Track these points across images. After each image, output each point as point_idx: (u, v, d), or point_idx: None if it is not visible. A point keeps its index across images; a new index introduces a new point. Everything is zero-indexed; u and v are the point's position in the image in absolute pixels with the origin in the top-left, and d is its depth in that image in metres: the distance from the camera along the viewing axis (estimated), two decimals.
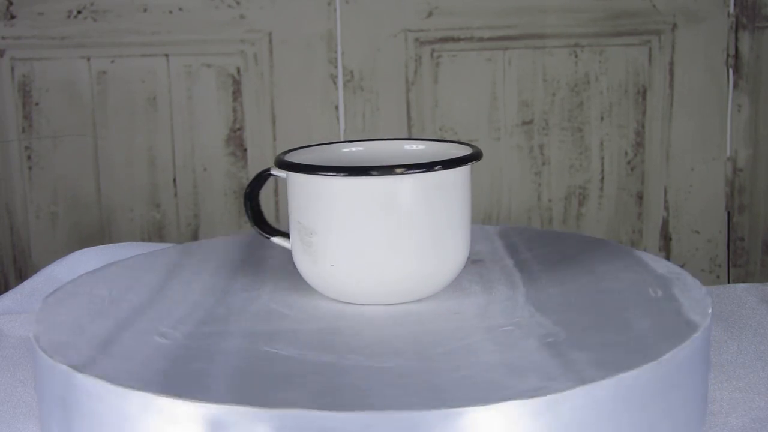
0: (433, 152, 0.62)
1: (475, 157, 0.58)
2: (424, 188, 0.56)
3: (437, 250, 0.57)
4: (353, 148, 0.65)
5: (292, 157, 0.60)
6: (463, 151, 0.60)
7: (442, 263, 0.58)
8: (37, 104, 1.08)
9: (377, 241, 0.56)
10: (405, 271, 0.56)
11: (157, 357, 0.51)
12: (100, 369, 0.49)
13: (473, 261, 0.67)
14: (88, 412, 0.49)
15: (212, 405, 0.45)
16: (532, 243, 0.73)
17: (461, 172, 0.57)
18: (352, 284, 0.57)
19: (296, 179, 0.57)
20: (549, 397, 0.45)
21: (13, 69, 1.07)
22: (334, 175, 0.55)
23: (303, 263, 0.58)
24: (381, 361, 0.50)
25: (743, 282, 1.15)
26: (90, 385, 0.48)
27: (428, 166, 0.55)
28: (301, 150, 0.62)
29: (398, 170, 0.54)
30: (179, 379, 0.48)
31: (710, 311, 0.56)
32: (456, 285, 0.62)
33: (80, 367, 0.49)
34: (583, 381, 0.46)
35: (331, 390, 0.46)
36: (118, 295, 0.61)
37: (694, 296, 0.59)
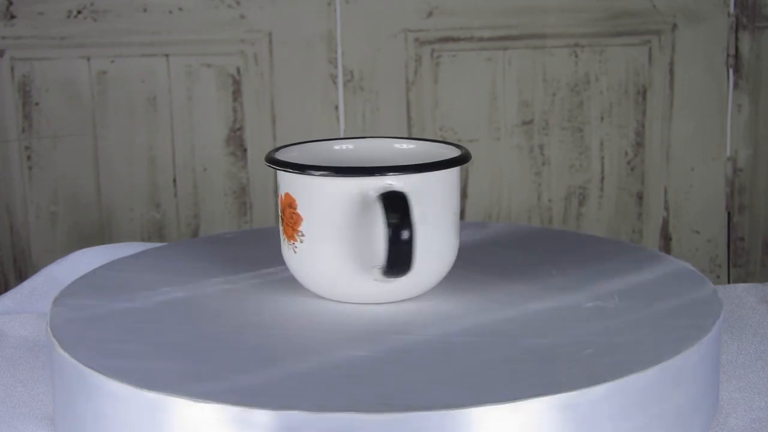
0: (423, 152, 0.62)
1: (461, 160, 0.57)
2: (408, 189, 0.55)
3: (423, 251, 0.56)
4: (344, 146, 0.64)
5: (282, 155, 0.60)
6: (453, 152, 0.59)
7: (429, 263, 0.57)
8: (37, 104, 1.08)
9: (360, 240, 0.55)
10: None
11: (186, 358, 0.51)
12: (128, 372, 0.49)
13: (465, 260, 0.67)
14: (112, 415, 0.49)
15: (240, 408, 0.45)
16: (530, 241, 0.73)
17: (446, 174, 0.56)
18: (340, 282, 0.57)
19: (284, 177, 0.57)
20: (555, 397, 0.45)
21: (13, 69, 1.07)
22: (323, 175, 0.55)
23: (292, 261, 0.58)
24: (384, 360, 0.50)
25: (743, 282, 1.14)
26: (114, 387, 0.48)
27: (411, 169, 0.55)
28: (291, 147, 0.62)
29: (381, 172, 0.54)
30: (200, 380, 0.48)
31: (721, 315, 0.55)
32: (446, 284, 0.62)
33: (103, 369, 0.49)
34: (590, 383, 0.46)
35: (337, 391, 0.46)
36: (135, 295, 0.61)
37: (705, 299, 0.58)
